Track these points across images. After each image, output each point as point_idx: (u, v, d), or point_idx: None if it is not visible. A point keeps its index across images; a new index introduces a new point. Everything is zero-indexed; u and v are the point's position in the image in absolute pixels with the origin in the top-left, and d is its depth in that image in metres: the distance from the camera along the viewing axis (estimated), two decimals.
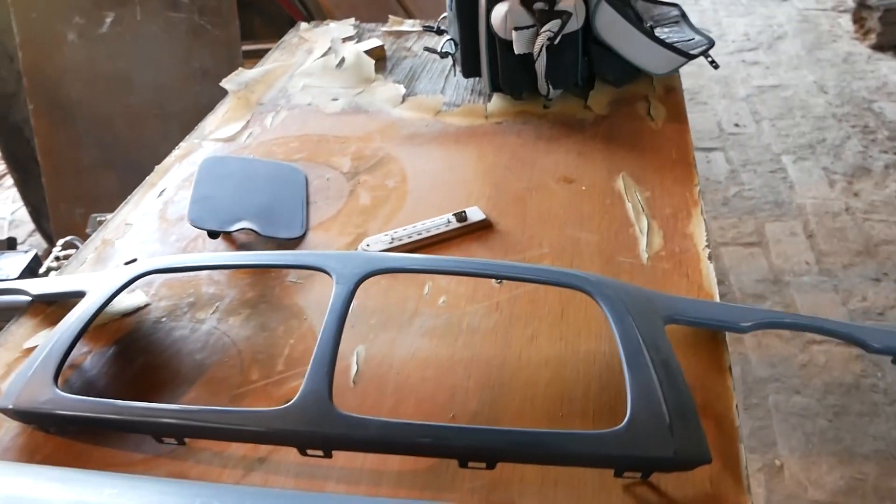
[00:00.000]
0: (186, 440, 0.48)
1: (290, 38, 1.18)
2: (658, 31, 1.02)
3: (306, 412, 0.45)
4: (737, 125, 2.58)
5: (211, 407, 0.46)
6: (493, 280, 0.62)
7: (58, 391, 0.49)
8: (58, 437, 0.50)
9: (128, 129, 1.74)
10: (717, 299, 0.60)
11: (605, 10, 0.85)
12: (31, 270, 1.04)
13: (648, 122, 0.86)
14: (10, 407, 0.49)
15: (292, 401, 0.45)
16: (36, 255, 1.07)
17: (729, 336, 0.58)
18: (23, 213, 2.07)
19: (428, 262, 0.55)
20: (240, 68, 1.03)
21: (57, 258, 1.07)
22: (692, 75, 2.89)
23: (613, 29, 0.86)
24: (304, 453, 0.46)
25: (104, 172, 1.78)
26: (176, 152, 0.86)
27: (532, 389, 0.53)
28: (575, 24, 0.82)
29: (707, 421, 0.50)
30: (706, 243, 0.66)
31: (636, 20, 0.90)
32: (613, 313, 0.51)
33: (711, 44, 0.94)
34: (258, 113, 0.95)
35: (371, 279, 0.55)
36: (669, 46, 0.88)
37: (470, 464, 0.45)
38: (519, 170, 0.79)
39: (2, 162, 2.00)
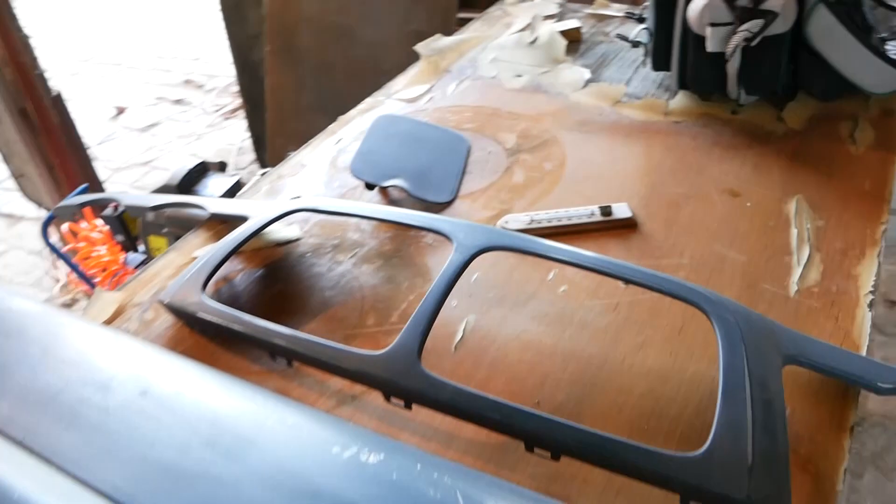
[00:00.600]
0: (294, 363, 0.53)
1: (494, 10, 1.20)
2: (892, 45, 0.90)
3: (394, 363, 0.48)
4: None
5: (316, 338, 0.50)
6: (616, 280, 0.61)
7: (203, 297, 0.56)
8: (198, 336, 0.58)
9: (344, 79, 1.88)
10: (864, 352, 0.54)
11: (822, 14, 0.77)
12: (231, 193, 1.18)
13: (848, 146, 0.78)
14: (167, 302, 0.57)
15: (385, 349, 0.48)
16: (239, 181, 1.21)
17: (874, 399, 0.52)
18: (249, 143, 2.33)
19: (547, 248, 0.55)
20: (438, 34, 1.07)
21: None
22: None
23: (829, 36, 0.78)
24: (387, 399, 0.49)
25: (319, 116, 1.94)
26: (361, 106, 0.93)
27: (624, 396, 0.51)
28: (781, 27, 0.76)
29: (804, 476, 0.46)
30: (872, 289, 0.59)
31: (861, 29, 0.81)
32: (725, 337, 0.48)
33: None
34: (444, 79, 0.98)
35: (500, 256, 0.56)
36: (892, 61, 0.78)
37: (536, 450, 0.45)
38: (683, 174, 0.75)
39: (240, 96, 2.26)
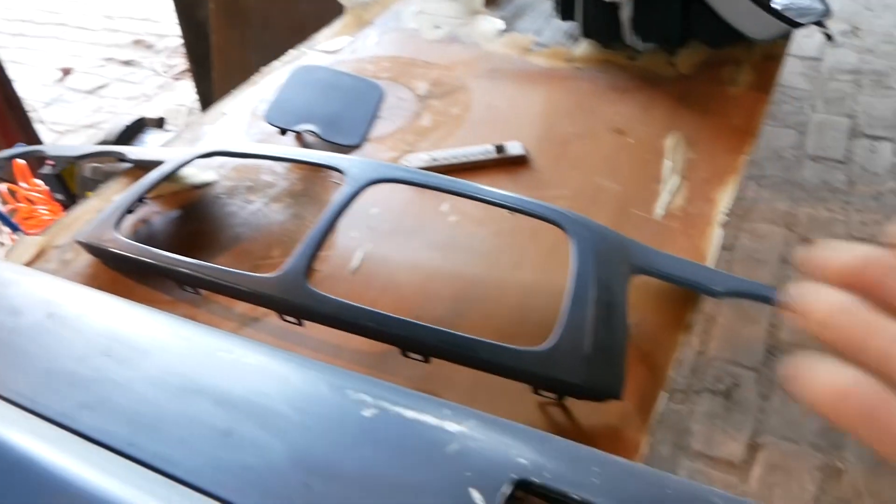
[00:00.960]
0: (201, 292, 0.59)
1: None
2: None
3: (285, 283, 0.54)
4: None
5: (218, 266, 0.56)
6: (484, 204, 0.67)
7: (116, 234, 0.61)
8: (114, 272, 0.63)
9: (289, 35, 1.88)
10: (711, 264, 0.61)
11: None
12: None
13: (728, 88, 0.84)
14: (83, 241, 0.62)
15: (277, 272, 0.54)
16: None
17: None
18: (198, 104, 2.33)
19: (430, 178, 0.60)
20: None
21: None
22: (887, 55, 2.60)
23: None
24: (282, 318, 0.55)
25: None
26: (284, 58, 0.97)
27: (497, 308, 0.58)
28: None
29: (641, 366, 0.53)
30: (725, 211, 0.66)
31: None
32: (579, 250, 0.55)
33: (824, 13, 0.88)
34: (366, 31, 1.03)
35: (397, 192, 0.61)
36: (772, 11, 0.84)
37: (410, 354, 0.52)
38: (577, 115, 0.81)
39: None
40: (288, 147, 0.77)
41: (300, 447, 0.38)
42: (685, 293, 0.58)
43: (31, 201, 1.22)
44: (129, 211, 0.64)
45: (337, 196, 0.59)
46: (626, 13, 0.83)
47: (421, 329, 0.51)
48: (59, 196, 1.26)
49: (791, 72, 2.56)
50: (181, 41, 2.75)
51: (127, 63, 2.85)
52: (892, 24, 2.81)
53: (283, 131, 0.78)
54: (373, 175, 0.61)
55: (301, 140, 0.80)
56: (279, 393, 0.41)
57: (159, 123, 1.31)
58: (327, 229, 0.56)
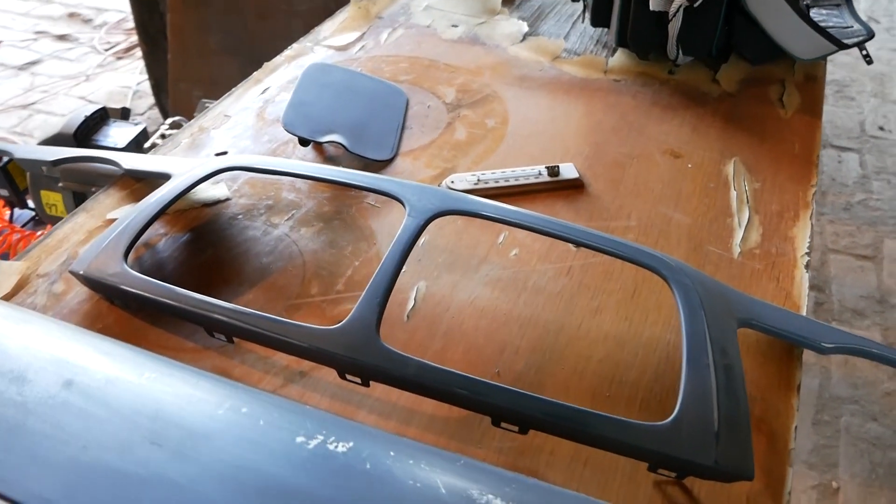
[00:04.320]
0: (235, 339, 0.49)
1: None
2: (814, 12, 0.92)
3: (351, 338, 0.45)
4: (882, 128, 2.36)
5: (262, 313, 0.46)
6: (571, 244, 0.60)
7: (126, 267, 0.50)
8: (120, 310, 0.52)
9: (256, 20, 1.77)
10: (804, 312, 0.56)
11: None
12: (137, 143, 1.09)
13: (777, 109, 0.79)
14: (81, 273, 0.51)
15: (340, 323, 0.45)
16: (144, 130, 1.12)
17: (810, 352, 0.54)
18: (147, 86, 2.16)
19: (504, 211, 0.53)
20: None
21: (163, 136, 1.11)
22: (845, 66, 2.66)
23: (763, 3, 0.78)
24: (342, 377, 0.46)
25: (227, 59, 1.82)
26: (287, 52, 0.86)
27: (583, 363, 0.51)
28: None
29: (760, 436, 0.47)
30: (807, 251, 0.61)
31: None
32: (685, 303, 0.48)
33: (870, 36, 0.84)
34: (375, 26, 0.93)
35: (446, 218, 0.53)
36: (822, 31, 0.80)
37: (503, 424, 0.44)
38: (625, 134, 0.74)
39: (135, 33, 2.08)
40: (325, 166, 0.67)
41: None
42: (785, 348, 0.53)
43: None
44: (137, 238, 0.53)
45: (401, 232, 0.50)
46: (675, 24, 0.77)
47: (521, 397, 0.43)
48: (4, 192, 1.11)
49: None
50: (123, 16, 2.55)
51: (61, 38, 2.62)
52: None
53: (305, 142, 0.69)
54: (438, 206, 0.52)
55: (322, 151, 0.70)
56: (378, 490, 0.33)
57: (124, 114, 1.17)
58: (396, 272, 0.48)
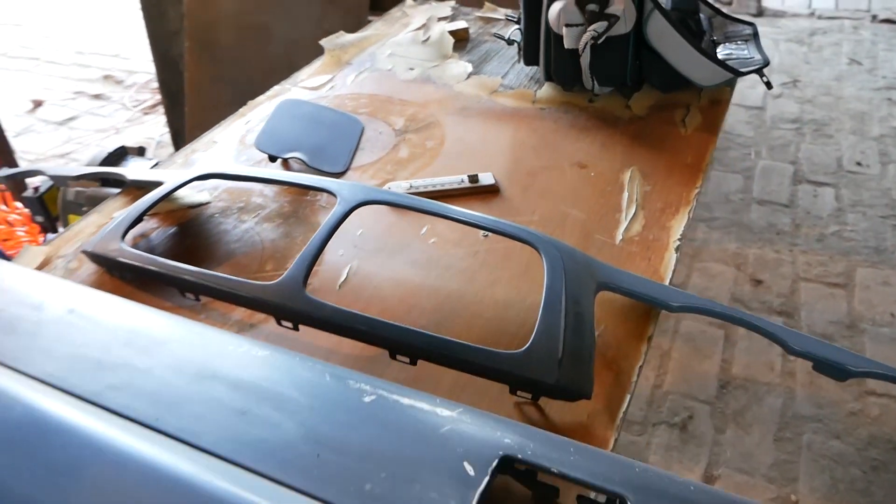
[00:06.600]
0: (201, 298, 0.63)
1: (395, 12, 1.32)
2: (724, 46, 1.07)
3: (283, 290, 0.59)
4: (859, 164, 2.48)
5: (219, 273, 0.61)
6: (481, 233, 0.73)
7: (122, 245, 0.65)
8: (117, 280, 0.67)
9: (260, 75, 1.96)
10: (667, 283, 0.68)
11: (657, 18, 0.92)
12: None
13: (679, 129, 0.93)
14: (89, 250, 0.66)
15: (276, 280, 0.59)
16: (157, 164, 1.29)
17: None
18: (168, 137, 2.37)
19: (413, 201, 0.67)
20: (340, 31, 1.18)
21: None
22: (825, 106, 2.79)
23: (663, 37, 0.93)
24: (279, 323, 0.60)
25: (235, 109, 2.02)
26: (269, 92, 1.03)
27: (475, 320, 0.64)
28: (623, 28, 0.91)
29: (608, 372, 0.59)
30: (679, 237, 0.74)
31: (692, 32, 0.97)
32: (549, 266, 0.61)
33: (764, 64, 0.98)
34: (345, 71, 1.10)
35: (381, 215, 0.67)
36: (716, 60, 0.94)
37: (398, 357, 0.57)
38: (542, 151, 0.89)
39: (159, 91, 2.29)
40: (278, 170, 0.83)
41: (309, 425, 0.43)
42: (646, 309, 0.65)
43: (10, 224, 1.24)
44: (133, 225, 0.68)
45: (330, 215, 0.64)
46: (585, 59, 0.92)
47: (410, 333, 0.56)
48: (40, 219, 1.29)
49: (737, 120, 2.73)
50: (151, 77, 2.79)
51: (97, 97, 2.87)
52: (829, 77, 3.02)
53: (273, 158, 0.84)
54: (362, 197, 0.67)
55: (288, 167, 0.85)
56: (287, 381, 0.47)
57: (140, 152, 1.35)
58: (323, 243, 0.62)
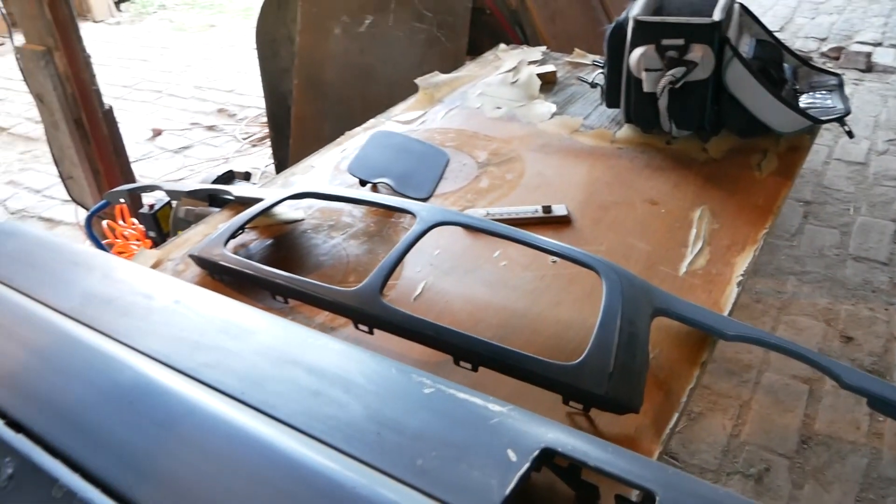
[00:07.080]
0: (289, 302, 0.71)
1: (489, 55, 1.40)
2: (808, 96, 1.08)
3: (361, 296, 0.65)
4: None
5: (306, 278, 0.68)
6: (549, 259, 0.78)
7: (225, 250, 0.74)
8: (218, 283, 0.75)
9: (361, 112, 2.08)
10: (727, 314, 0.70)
11: (736, 66, 0.95)
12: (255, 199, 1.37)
13: (754, 172, 0.95)
14: (195, 254, 0.75)
15: (356, 287, 0.66)
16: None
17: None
18: (272, 168, 2.54)
19: (485, 224, 0.72)
20: (436, 71, 1.27)
21: None
22: None
23: (742, 84, 0.96)
24: (356, 326, 0.66)
25: None
26: (365, 125, 1.12)
27: (536, 337, 0.68)
28: (702, 74, 0.94)
29: (658, 391, 0.62)
30: (742, 273, 0.76)
31: (772, 80, 0.99)
32: (609, 288, 0.65)
33: (845, 113, 0.99)
34: (436, 107, 1.18)
35: (457, 237, 0.73)
36: (795, 108, 0.96)
37: (461, 363, 0.62)
38: (616, 187, 0.92)
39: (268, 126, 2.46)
40: (367, 192, 0.90)
41: (373, 407, 0.48)
42: (702, 337, 0.67)
43: (126, 238, 1.38)
44: (234, 235, 0.77)
45: (409, 232, 0.71)
46: (662, 102, 0.96)
47: (472, 340, 0.61)
48: (152, 234, 1.42)
49: (837, 175, 2.64)
50: (260, 112, 3.01)
51: (210, 128, 3.11)
52: None
53: (363, 182, 0.92)
54: (440, 217, 0.73)
55: (377, 191, 0.93)
56: (357, 370, 0.52)
57: (247, 176, 1.47)
58: (400, 256, 0.68)
